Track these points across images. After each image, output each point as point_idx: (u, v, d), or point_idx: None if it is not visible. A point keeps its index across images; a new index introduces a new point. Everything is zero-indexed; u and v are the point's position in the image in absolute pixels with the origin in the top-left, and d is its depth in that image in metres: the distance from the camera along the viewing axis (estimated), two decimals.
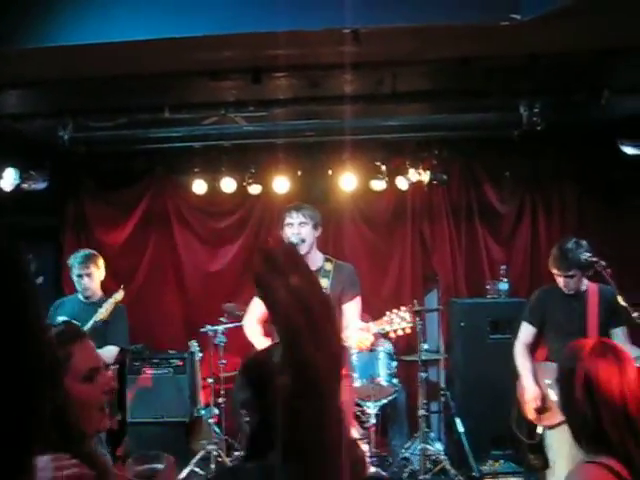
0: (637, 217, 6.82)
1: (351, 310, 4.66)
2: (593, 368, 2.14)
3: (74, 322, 2.39)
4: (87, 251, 5.66)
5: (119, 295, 5.35)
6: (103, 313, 5.21)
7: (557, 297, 4.73)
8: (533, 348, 4.91)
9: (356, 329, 4.45)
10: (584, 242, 4.68)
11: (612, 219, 6.97)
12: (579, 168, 7.16)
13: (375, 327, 4.50)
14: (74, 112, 5.52)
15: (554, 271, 4.66)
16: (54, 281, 7.35)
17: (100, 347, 5.13)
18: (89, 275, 5.42)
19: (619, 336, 4.55)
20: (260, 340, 4.77)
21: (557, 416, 4.55)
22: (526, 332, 4.89)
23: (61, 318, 5.32)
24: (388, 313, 4.54)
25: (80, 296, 5.51)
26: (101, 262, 5.58)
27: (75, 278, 5.50)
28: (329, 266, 4.70)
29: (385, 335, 4.83)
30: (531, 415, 4.75)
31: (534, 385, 4.69)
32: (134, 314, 7.19)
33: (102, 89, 4.96)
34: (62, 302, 5.61)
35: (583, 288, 4.68)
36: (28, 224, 7.13)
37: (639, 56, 4.56)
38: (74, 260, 5.50)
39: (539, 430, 4.74)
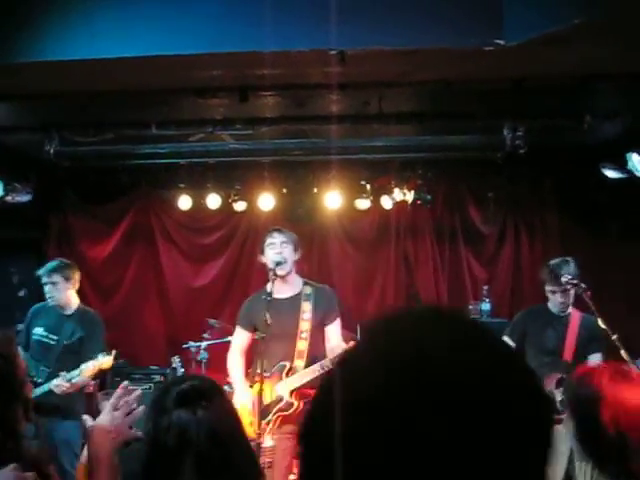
0: (618, 240, 6.89)
1: (334, 331, 4.71)
2: (619, 394, 2.10)
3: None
4: (57, 261, 5.51)
5: (106, 361, 5.05)
6: (80, 377, 4.98)
7: (541, 316, 4.80)
8: None
9: (337, 350, 4.46)
10: (570, 259, 4.78)
11: (594, 242, 7.03)
12: (561, 191, 7.24)
13: None
14: (60, 126, 5.52)
15: (549, 288, 4.72)
16: (37, 294, 7.29)
17: (75, 363, 5.03)
18: (53, 284, 5.26)
19: (595, 362, 4.61)
20: (235, 374, 4.79)
21: None
22: None
23: (38, 329, 5.30)
24: None
25: (56, 306, 5.43)
26: (72, 273, 5.41)
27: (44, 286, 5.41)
28: (309, 290, 4.73)
29: None
30: None
31: None
32: (116, 329, 7.17)
33: (89, 104, 4.97)
34: (38, 310, 5.49)
35: (569, 310, 4.75)
36: (11, 236, 7.11)
37: (620, 82, 4.63)
38: (42, 269, 5.38)
39: None
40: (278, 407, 4.54)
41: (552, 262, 4.86)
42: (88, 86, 4.72)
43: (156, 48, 4.11)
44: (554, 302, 4.81)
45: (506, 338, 4.93)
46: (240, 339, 4.87)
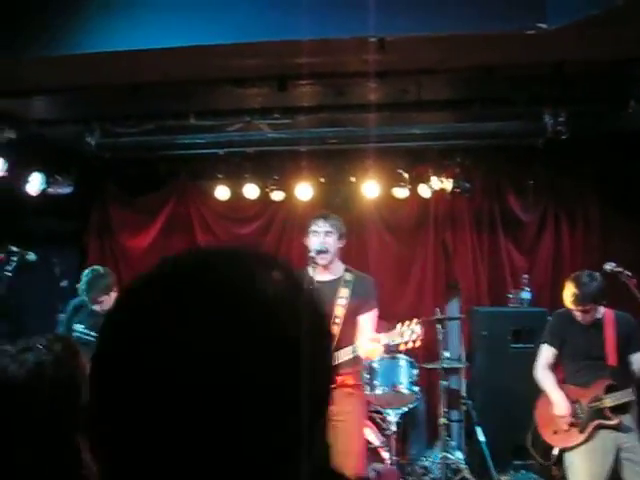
0: None
1: (367, 321, 4.65)
2: None
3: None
4: (94, 275, 5.35)
5: None
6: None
7: (576, 322, 4.70)
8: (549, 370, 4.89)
9: (366, 339, 4.45)
10: (597, 274, 4.63)
11: (635, 231, 6.91)
12: (603, 179, 7.11)
13: (385, 338, 4.48)
14: (101, 118, 5.60)
15: (570, 306, 4.63)
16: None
17: None
18: (100, 303, 5.22)
19: (637, 361, 4.58)
20: None
21: (574, 437, 4.54)
22: (547, 354, 4.85)
23: (79, 326, 5.33)
24: (399, 325, 4.53)
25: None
26: (112, 281, 5.35)
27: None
28: (349, 277, 4.71)
29: (395, 348, 4.81)
30: (549, 437, 4.74)
31: (564, 400, 4.66)
32: None
33: (128, 96, 5.01)
34: (79, 305, 5.48)
35: (599, 316, 4.66)
36: (53, 228, 7.23)
37: None
38: (83, 289, 5.28)
39: (555, 452, 4.72)
40: None
41: (574, 279, 4.64)
42: (128, 77, 4.77)
43: (195, 38, 4.14)
44: (577, 318, 4.70)
45: (546, 347, 4.87)
46: None
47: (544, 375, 4.82)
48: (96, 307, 5.25)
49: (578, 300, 4.55)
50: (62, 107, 5.64)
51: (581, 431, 4.53)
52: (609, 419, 4.42)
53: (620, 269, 4.56)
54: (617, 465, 4.46)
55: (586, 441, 4.50)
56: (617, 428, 4.45)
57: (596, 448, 4.49)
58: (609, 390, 4.47)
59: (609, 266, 4.55)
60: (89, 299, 5.26)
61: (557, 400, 4.68)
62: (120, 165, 7.09)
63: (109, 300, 5.27)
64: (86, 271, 5.50)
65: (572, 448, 4.57)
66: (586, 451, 4.51)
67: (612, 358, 4.53)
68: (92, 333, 5.30)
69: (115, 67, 4.50)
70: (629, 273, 4.55)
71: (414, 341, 4.55)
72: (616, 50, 4.29)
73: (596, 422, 4.49)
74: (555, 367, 4.88)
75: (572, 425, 4.57)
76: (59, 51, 4.27)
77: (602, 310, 4.66)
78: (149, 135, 5.78)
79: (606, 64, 4.56)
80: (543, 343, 4.90)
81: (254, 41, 4.14)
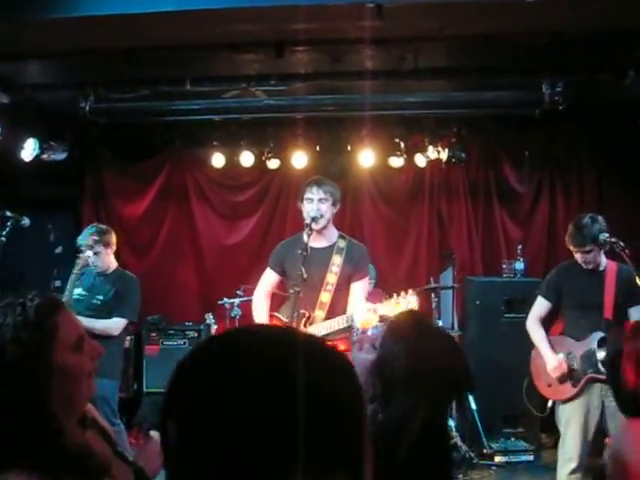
0: None
1: (359, 289, 4.67)
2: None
3: (52, 294, 2.32)
4: (95, 227, 5.49)
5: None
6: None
7: (575, 272, 4.70)
8: (549, 323, 4.88)
9: (363, 309, 4.47)
10: (600, 217, 4.64)
11: (632, 201, 6.92)
12: (600, 149, 7.11)
13: (382, 309, 4.52)
14: (95, 83, 5.54)
15: (571, 247, 4.63)
16: (73, 250, 7.41)
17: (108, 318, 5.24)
18: (96, 254, 5.29)
19: (636, 314, 4.54)
20: (260, 317, 4.80)
21: (568, 390, 4.57)
22: (540, 306, 4.86)
23: (77, 290, 5.37)
24: (395, 296, 4.55)
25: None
26: (111, 237, 5.45)
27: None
28: (343, 243, 4.71)
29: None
30: (543, 389, 4.77)
31: (554, 355, 4.67)
32: (151, 286, 7.25)
33: (124, 61, 4.95)
34: (81, 273, 5.59)
35: (602, 266, 4.65)
36: (47, 194, 7.20)
37: None
38: (81, 238, 5.37)
39: (549, 404, 4.77)
40: None
41: (576, 221, 4.68)
42: (123, 42, 4.72)
43: (190, 2, 4.10)
44: (579, 260, 4.69)
45: (540, 299, 4.88)
46: (267, 280, 4.89)
47: (534, 327, 4.82)
48: (89, 254, 5.28)
49: (578, 241, 4.56)
50: (56, 71, 5.57)
51: (574, 384, 4.54)
52: (601, 373, 4.43)
53: (614, 239, 4.56)
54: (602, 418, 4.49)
55: (579, 394, 4.51)
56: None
57: (589, 402, 4.51)
58: (602, 343, 4.47)
59: (603, 236, 4.55)
60: (85, 244, 5.30)
61: (547, 356, 4.69)
62: (115, 132, 7.03)
63: (105, 257, 5.39)
64: (90, 225, 5.67)
65: (565, 401, 4.59)
66: (579, 405, 4.53)
67: (608, 311, 4.53)
68: (89, 294, 5.33)
69: (109, 31, 4.45)
70: (622, 244, 4.55)
71: None
72: (615, 19, 4.25)
73: (589, 375, 4.49)
74: (553, 320, 4.89)
75: (565, 378, 4.58)
76: (54, 14, 4.22)
77: (605, 261, 4.66)
78: (144, 101, 5.73)
79: (604, 34, 4.52)
80: (538, 295, 4.91)
81: (249, 6, 4.10)
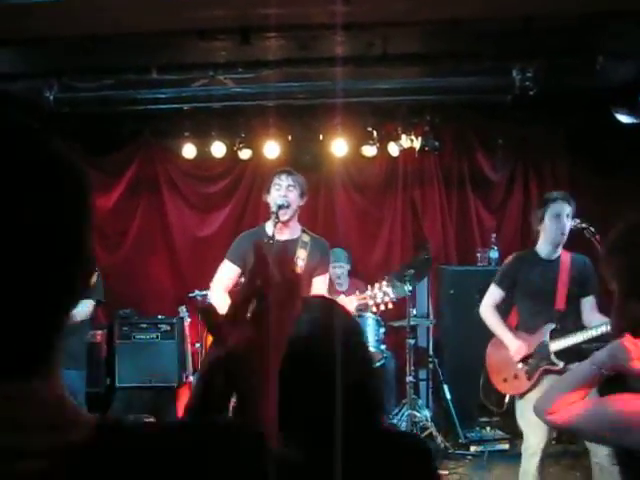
0: (630, 186, 6.76)
1: (320, 284, 4.61)
2: None
3: None
4: None
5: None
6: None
7: (531, 262, 4.64)
8: (503, 316, 4.81)
9: (338, 300, 4.42)
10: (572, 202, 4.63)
11: (605, 188, 6.92)
12: (572, 136, 7.10)
13: (356, 301, 4.47)
14: (60, 73, 5.42)
15: (552, 205, 4.56)
16: None
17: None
18: None
19: (587, 305, 4.53)
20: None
21: (524, 384, 4.54)
22: (494, 294, 4.78)
23: None
24: (370, 287, 4.50)
25: None
26: None
27: None
28: (306, 238, 4.65)
29: (364, 308, 4.79)
30: (499, 384, 4.73)
31: (515, 338, 4.62)
32: (123, 279, 7.16)
33: (88, 49, 4.84)
34: None
35: (556, 254, 4.62)
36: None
37: (635, 21, 4.48)
38: None
39: (506, 399, 4.72)
40: None
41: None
42: (86, 29, 4.61)
43: None
44: (548, 236, 4.61)
45: (494, 287, 4.81)
46: (227, 275, 4.67)
47: (488, 313, 4.75)
48: None
49: (563, 195, 4.61)
50: (19, 61, 5.45)
51: (529, 378, 4.50)
52: (554, 364, 4.40)
53: (585, 225, 4.54)
54: None
55: (534, 387, 4.45)
56: (562, 373, 4.37)
57: None
58: (553, 335, 4.44)
59: (574, 222, 4.52)
60: None
61: (508, 341, 4.61)
62: (82, 123, 6.90)
63: None
64: None
65: (521, 395, 4.55)
66: (535, 398, 4.49)
67: (561, 302, 4.50)
68: None
69: (73, 18, 4.34)
70: (593, 229, 4.53)
71: (386, 303, 4.54)
72: (585, 3, 4.23)
73: (543, 368, 4.44)
74: (507, 313, 4.84)
75: (520, 372, 4.55)
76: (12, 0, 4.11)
77: (559, 250, 4.63)
78: (110, 89, 5.62)
79: (574, 19, 4.49)
80: (492, 283, 4.84)
81: None
